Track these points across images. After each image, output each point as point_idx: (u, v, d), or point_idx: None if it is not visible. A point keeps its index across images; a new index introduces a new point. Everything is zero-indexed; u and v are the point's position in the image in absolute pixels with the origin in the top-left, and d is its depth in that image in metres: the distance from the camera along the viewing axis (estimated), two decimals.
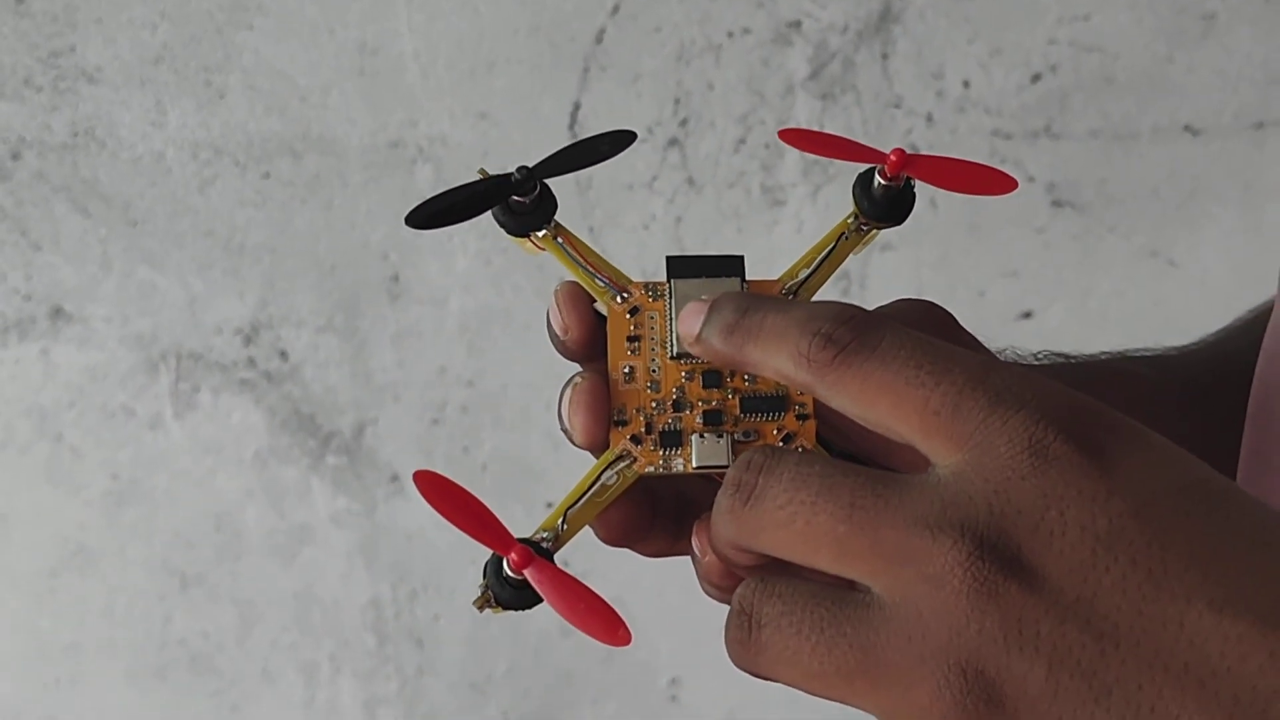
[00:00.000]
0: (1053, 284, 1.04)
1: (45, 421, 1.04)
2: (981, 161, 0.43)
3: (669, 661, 1.12)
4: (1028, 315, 1.04)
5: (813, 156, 0.99)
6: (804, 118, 0.98)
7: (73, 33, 0.96)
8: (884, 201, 0.41)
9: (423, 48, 0.97)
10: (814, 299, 0.41)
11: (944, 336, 0.43)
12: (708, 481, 0.39)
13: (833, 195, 1.00)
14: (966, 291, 1.03)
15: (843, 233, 0.42)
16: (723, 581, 0.41)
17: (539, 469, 1.03)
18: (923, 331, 0.42)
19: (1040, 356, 0.50)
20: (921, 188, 0.42)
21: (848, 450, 0.40)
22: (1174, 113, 1.01)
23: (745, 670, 0.33)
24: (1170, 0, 0.98)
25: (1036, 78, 0.99)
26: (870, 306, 0.43)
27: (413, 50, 0.97)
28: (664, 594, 1.10)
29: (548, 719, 1.13)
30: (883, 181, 0.41)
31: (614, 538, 0.42)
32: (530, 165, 0.41)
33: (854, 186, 0.41)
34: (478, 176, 0.41)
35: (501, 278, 1.01)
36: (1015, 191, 0.43)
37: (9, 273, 1.00)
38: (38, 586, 1.08)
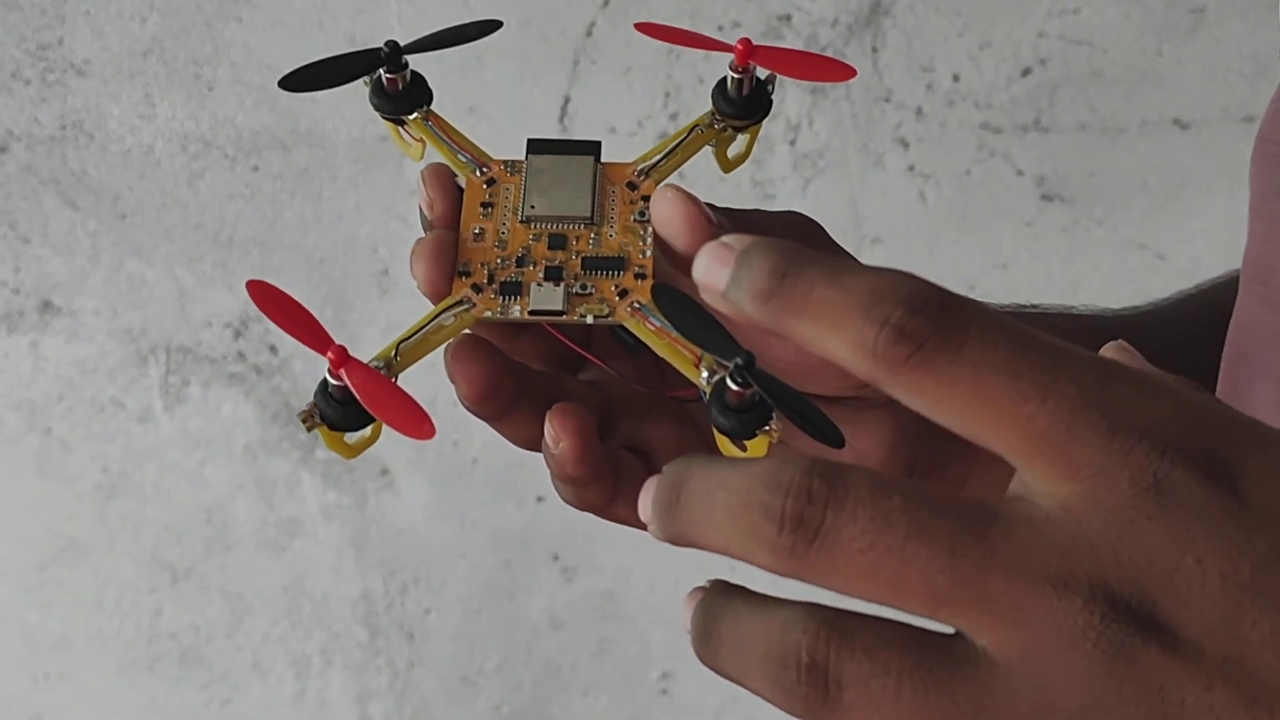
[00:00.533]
0: (1042, 276, 1.04)
1: (35, 415, 1.04)
2: (827, 55, 0.42)
3: (660, 655, 1.12)
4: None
5: (803, 151, 0.99)
6: (794, 112, 0.98)
7: (61, 25, 0.96)
8: (737, 99, 0.43)
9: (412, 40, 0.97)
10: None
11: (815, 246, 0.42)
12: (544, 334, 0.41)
13: (822, 188, 1.00)
14: (956, 284, 1.03)
15: (697, 126, 0.43)
16: (585, 474, 0.40)
17: (529, 463, 1.02)
18: (789, 231, 0.41)
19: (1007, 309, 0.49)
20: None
21: (696, 303, 0.37)
22: (1163, 106, 1.01)
23: None
24: None
25: (1026, 71, 0.99)
26: None
27: (402, 43, 0.97)
28: (655, 588, 1.11)
29: (539, 712, 1.13)
30: (733, 75, 0.42)
31: (475, 395, 0.40)
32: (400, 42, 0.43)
33: (713, 89, 0.43)
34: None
35: None
36: (849, 79, 0.42)
37: None
38: (27, 580, 1.08)
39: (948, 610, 0.27)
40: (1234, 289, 0.53)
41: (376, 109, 0.44)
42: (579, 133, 0.98)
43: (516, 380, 0.41)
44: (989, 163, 1.01)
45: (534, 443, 0.42)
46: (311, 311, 0.37)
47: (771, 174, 1.00)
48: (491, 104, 0.98)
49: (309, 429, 0.37)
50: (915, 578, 0.27)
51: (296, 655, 1.11)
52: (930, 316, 0.28)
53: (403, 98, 0.44)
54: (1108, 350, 0.34)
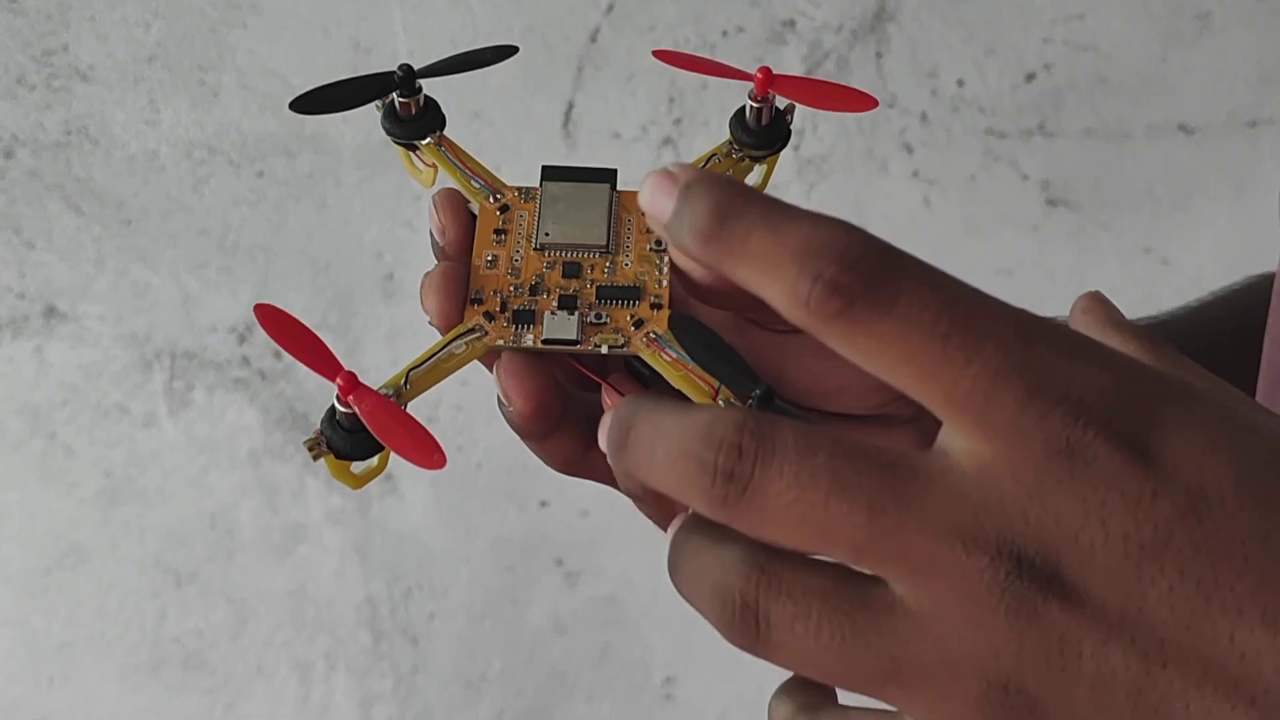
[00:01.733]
0: (1047, 282, 1.04)
1: (39, 420, 1.04)
2: (849, 84, 0.42)
3: (663, 660, 1.12)
4: None
5: (806, 156, 0.99)
6: (798, 116, 0.98)
7: (66, 31, 0.96)
8: (755, 129, 0.43)
9: (416, 46, 0.97)
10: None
11: None
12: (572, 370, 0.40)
13: (826, 193, 1.00)
14: None
15: (714, 154, 0.43)
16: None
17: (533, 467, 1.03)
18: None
19: None
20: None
21: (714, 334, 0.38)
22: (1168, 112, 1.01)
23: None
24: (1164, 0, 0.98)
25: (1031, 77, 0.99)
26: None
27: (406, 49, 0.97)
28: (658, 593, 1.11)
29: (542, 717, 1.13)
30: (752, 104, 0.42)
31: (526, 412, 0.40)
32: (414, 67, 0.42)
33: (731, 119, 0.43)
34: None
35: None
36: (870, 109, 0.41)
37: (2, 271, 1.00)
38: (31, 584, 1.08)
39: (868, 561, 0.28)
40: (1251, 295, 0.53)
41: (388, 133, 0.43)
42: (582, 138, 0.98)
43: (563, 400, 0.40)
44: (994, 168, 1.01)
45: (572, 465, 0.42)
46: (320, 336, 0.36)
47: (776, 179, 1.00)
48: (495, 109, 0.98)
49: (315, 458, 0.37)
50: (837, 531, 0.28)
51: (300, 660, 1.11)
52: (862, 273, 0.29)
53: (416, 123, 0.43)
54: (1081, 299, 0.35)
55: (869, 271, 0.29)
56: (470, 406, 1.04)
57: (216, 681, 1.11)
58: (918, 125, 0.99)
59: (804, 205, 0.29)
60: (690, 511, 0.32)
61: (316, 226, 1.01)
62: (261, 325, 0.36)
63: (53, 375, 1.03)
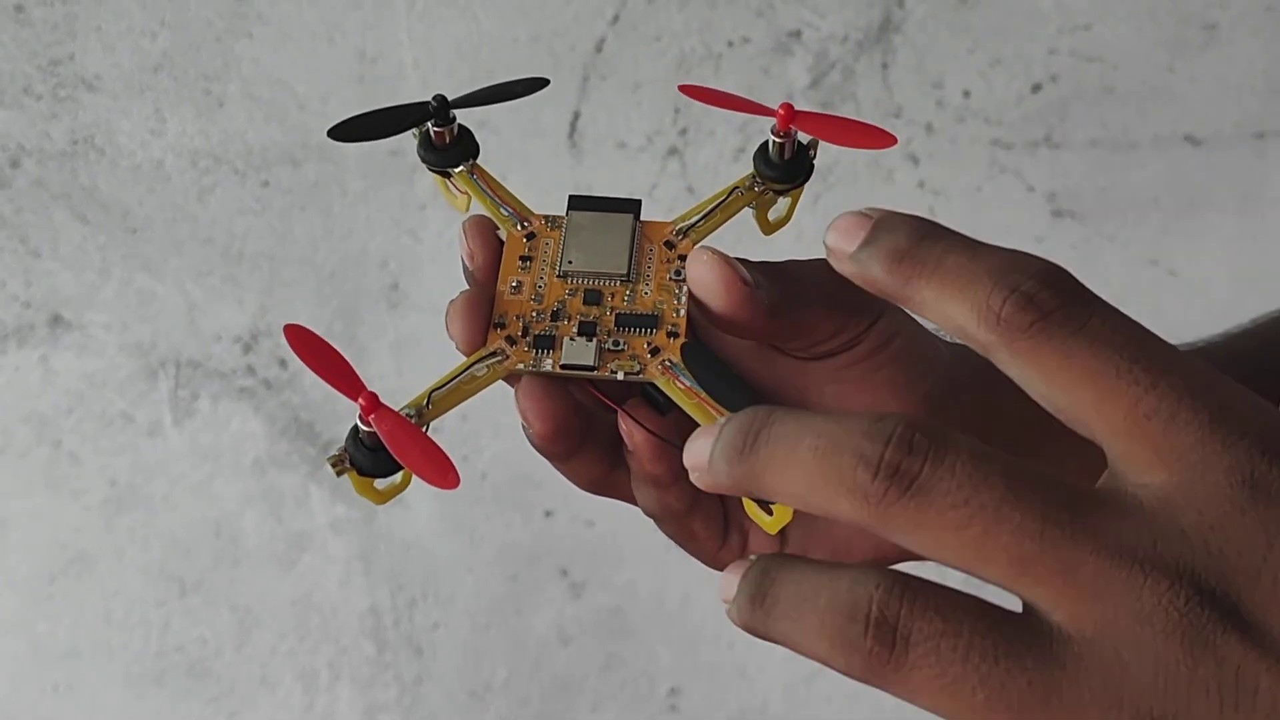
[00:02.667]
0: None
1: (44, 428, 1.04)
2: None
3: (668, 670, 1.12)
4: None
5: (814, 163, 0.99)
6: None
7: (72, 41, 0.96)
8: (778, 163, 0.43)
9: (422, 56, 0.97)
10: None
11: (850, 293, 0.42)
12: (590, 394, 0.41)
13: (832, 203, 1.00)
14: None
15: (737, 188, 0.43)
16: (662, 473, 0.41)
17: (537, 477, 1.03)
18: (827, 289, 0.41)
19: None
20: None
21: (725, 363, 0.39)
22: (1174, 122, 1.01)
23: (867, 683, 0.28)
24: (1171, 10, 0.98)
25: (1037, 87, 0.99)
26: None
27: (412, 59, 0.97)
28: (664, 603, 1.10)
29: None
30: (775, 139, 0.43)
31: (546, 433, 0.40)
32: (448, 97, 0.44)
33: (755, 153, 0.43)
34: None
35: None
36: (889, 146, 0.42)
37: (8, 280, 1.00)
38: (36, 592, 1.08)
39: (1030, 578, 0.27)
40: None
41: (423, 160, 0.44)
42: (588, 147, 0.98)
43: (584, 420, 0.41)
44: (1000, 179, 1.01)
45: (597, 484, 0.43)
46: (345, 357, 0.37)
47: None
48: (501, 119, 0.98)
49: (338, 474, 0.37)
50: (1003, 540, 0.27)
51: (304, 669, 1.11)
52: (1059, 290, 0.29)
53: (450, 151, 0.44)
54: None
55: (1065, 290, 0.29)
56: (475, 416, 1.04)
57: (221, 690, 1.11)
58: (923, 136, 0.99)
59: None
60: (762, 555, 0.30)
61: (321, 236, 1.01)
62: (290, 345, 0.37)
63: (58, 384, 1.03)
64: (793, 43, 0.97)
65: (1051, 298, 0.29)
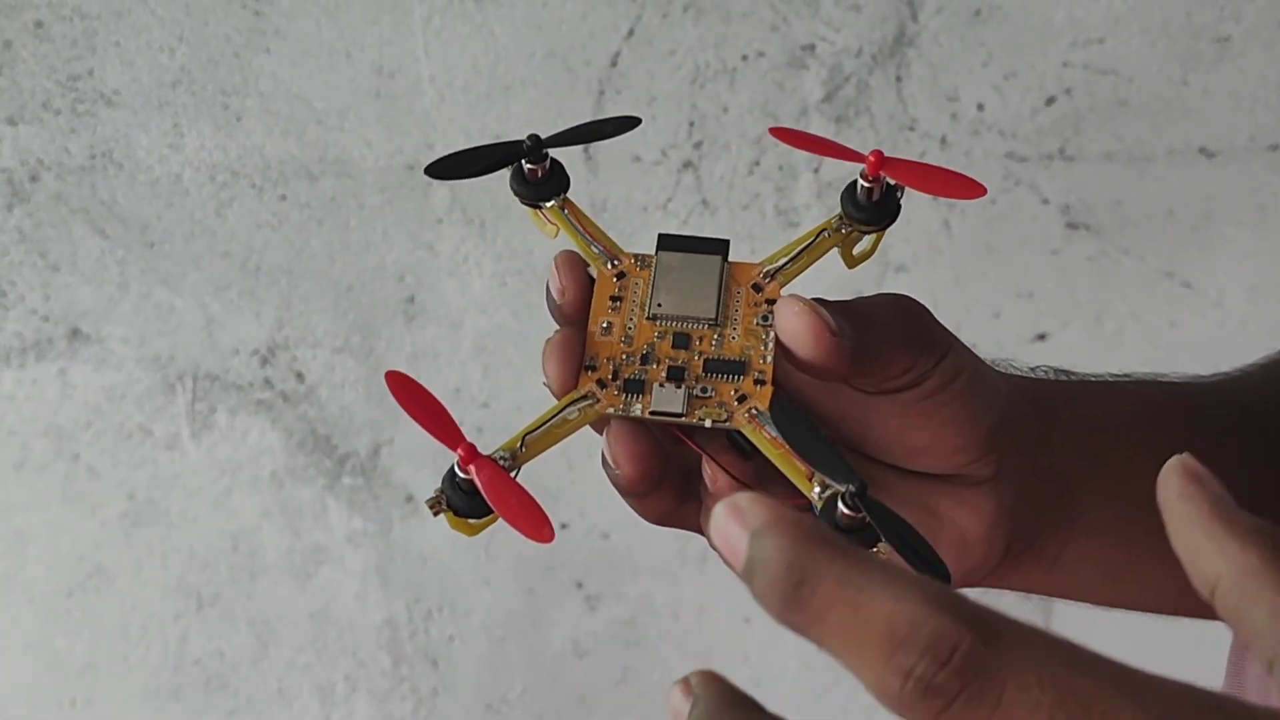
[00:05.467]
0: (1068, 306, 1.04)
1: (62, 441, 1.04)
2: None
3: None
4: (1042, 337, 1.04)
5: (827, 179, 0.99)
6: (819, 122, 0.98)
7: (91, 56, 0.97)
8: (866, 205, 0.44)
9: (439, 71, 0.98)
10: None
11: (919, 332, 0.43)
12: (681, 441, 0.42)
13: None
14: (981, 313, 1.03)
15: (824, 229, 0.44)
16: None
17: (554, 489, 1.03)
18: (898, 329, 0.42)
19: (1038, 370, 0.50)
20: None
21: (808, 413, 0.40)
22: (1189, 135, 1.01)
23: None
24: (1185, 23, 0.98)
25: (1051, 100, 0.99)
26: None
27: (429, 74, 0.98)
28: (679, 615, 1.10)
29: None
30: (864, 184, 0.43)
31: (634, 476, 0.41)
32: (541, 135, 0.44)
33: (843, 191, 0.44)
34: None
35: (516, 299, 1.02)
36: (979, 196, 0.43)
37: (27, 294, 1.01)
38: (54, 606, 1.08)
39: None
40: None
41: (515, 194, 0.45)
42: (604, 161, 0.98)
43: (665, 461, 0.42)
44: (1014, 192, 1.01)
45: (666, 517, 0.44)
46: (447, 408, 0.38)
47: (795, 202, 1.00)
48: (517, 133, 0.98)
49: (435, 514, 0.39)
50: None
51: (321, 682, 1.11)
52: (956, 669, 0.25)
53: (542, 185, 0.45)
54: (1174, 479, 0.30)
55: (962, 665, 0.25)
56: (491, 429, 1.04)
57: (238, 704, 1.11)
58: (938, 149, 1.00)
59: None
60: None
61: (339, 249, 1.01)
62: (391, 392, 0.38)
63: (76, 397, 1.03)
64: (807, 56, 0.98)
65: (950, 680, 0.25)
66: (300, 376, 1.04)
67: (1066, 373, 0.51)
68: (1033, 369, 0.50)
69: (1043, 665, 0.25)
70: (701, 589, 1.09)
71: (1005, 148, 1.00)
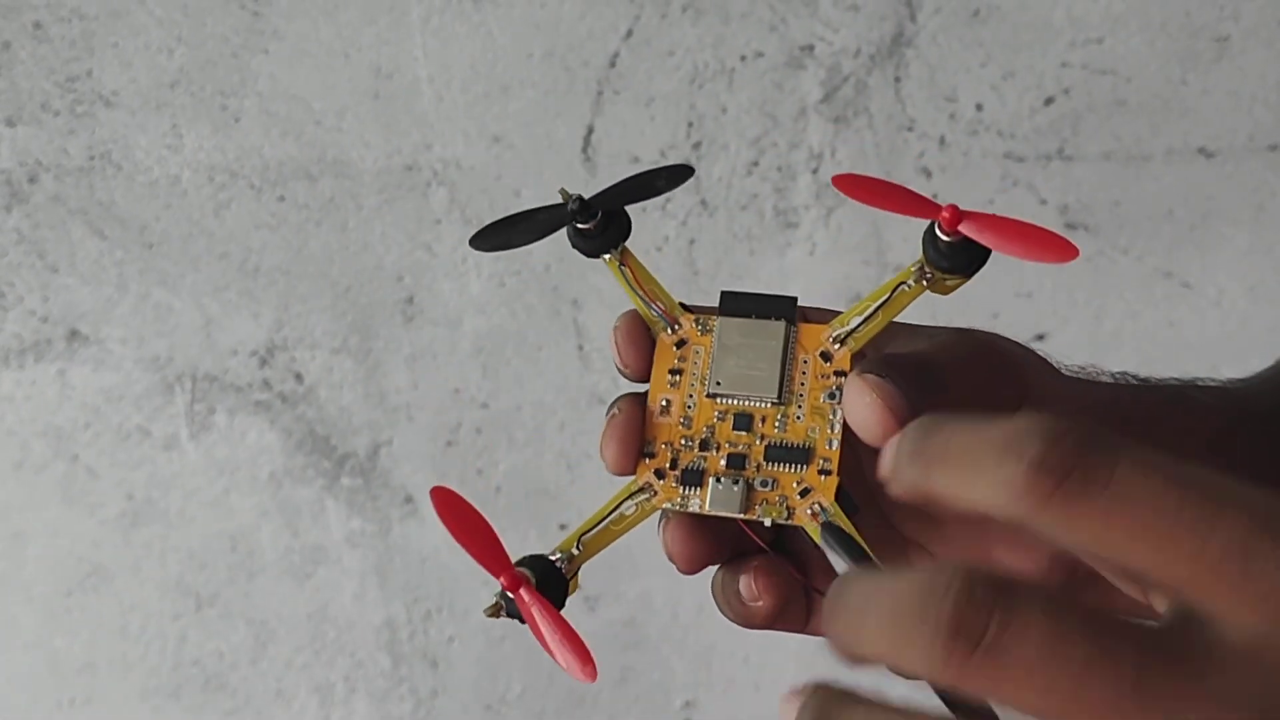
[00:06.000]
0: (1066, 306, 1.04)
1: (61, 442, 1.04)
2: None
3: (683, 683, 1.12)
4: (1041, 337, 1.04)
5: (825, 180, 0.99)
6: (816, 141, 0.98)
7: (90, 57, 0.96)
8: (950, 252, 0.39)
9: (437, 72, 0.98)
10: (884, 352, 0.40)
11: (996, 399, 0.40)
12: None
13: (845, 217, 1.00)
14: (980, 313, 1.03)
15: (903, 282, 0.40)
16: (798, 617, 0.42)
17: (553, 490, 1.03)
18: (975, 397, 0.39)
19: (1118, 376, 0.48)
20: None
21: (869, 508, 0.39)
22: (1187, 135, 1.01)
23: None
24: (1183, 23, 0.98)
25: (1049, 100, 0.99)
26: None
27: (427, 74, 0.98)
28: (677, 616, 1.10)
29: None
30: (944, 237, 0.39)
31: (690, 569, 0.42)
32: (586, 197, 0.42)
33: (924, 234, 0.40)
34: (559, 198, 0.42)
35: (515, 299, 1.02)
36: (1071, 260, 0.38)
37: (26, 295, 1.01)
38: (53, 606, 1.08)
39: None
40: None
41: (574, 246, 0.43)
42: (602, 162, 0.98)
43: (718, 546, 0.42)
44: (1012, 192, 1.01)
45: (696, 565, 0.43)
46: (493, 527, 0.37)
47: (794, 203, 1.00)
48: (515, 133, 0.99)
49: (494, 618, 0.39)
50: (1093, 700, 0.26)
51: (320, 683, 1.11)
52: (1072, 446, 0.27)
53: (596, 239, 0.42)
54: None
55: (1078, 445, 0.27)
56: (489, 429, 1.04)
57: (237, 704, 1.11)
58: (936, 149, 1.00)
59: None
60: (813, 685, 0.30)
61: (337, 250, 1.01)
62: (435, 509, 0.37)
63: (75, 398, 1.03)
64: (805, 57, 0.98)
65: (1066, 455, 0.27)
66: (299, 377, 1.04)
67: (1141, 379, 0.48)
68: (1114, 375, 0.47)
69: (1148, 450, 0.26)
70: (700, 589, 1.09)
71: (1003, 148, 1.00)
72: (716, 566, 0.44)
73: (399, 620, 1.10)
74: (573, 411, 1.03)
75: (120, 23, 0.96)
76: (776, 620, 0.42)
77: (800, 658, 1.11)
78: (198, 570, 1.08)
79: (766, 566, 0.41)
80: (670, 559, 0.41)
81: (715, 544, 0.41)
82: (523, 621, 0.38)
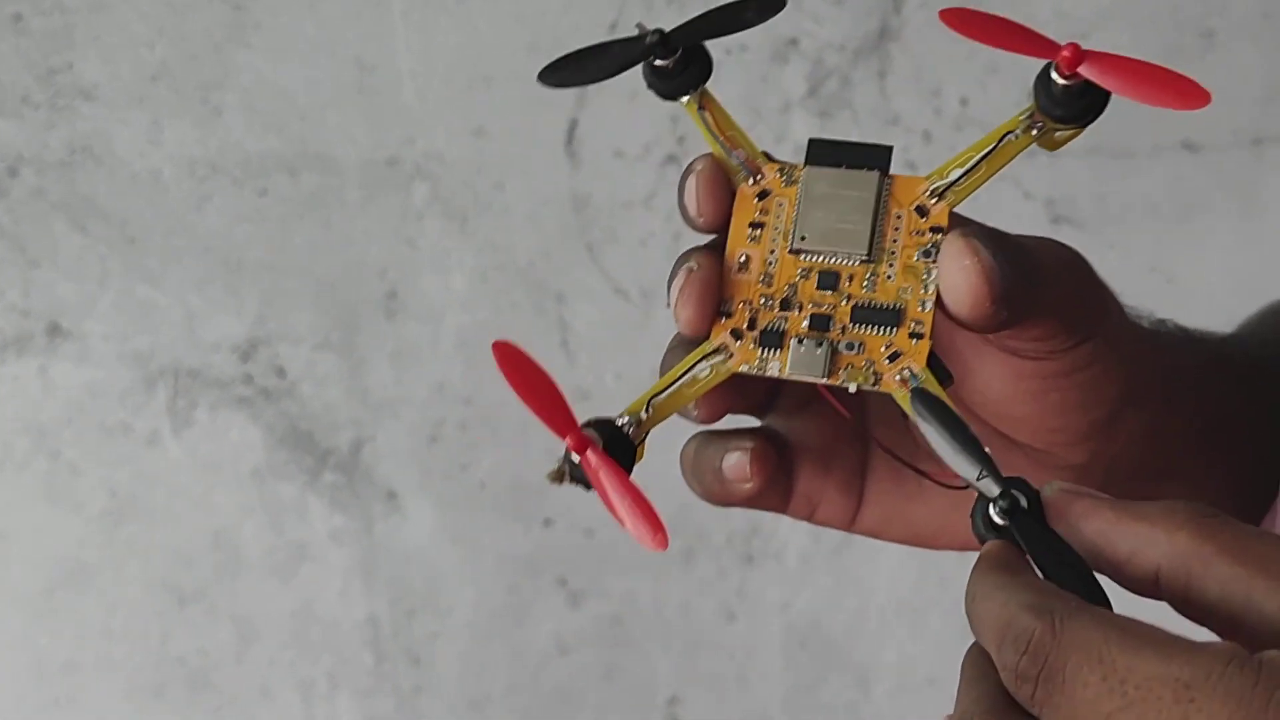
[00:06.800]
0: None
1: (43, 438, 1.04)
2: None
3: (668, 679, 1.12)
4: None
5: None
6: (801, 135, 0.98)
7: (70, 50, 0.96)
8: (1064, 99, 0.37)
9: (420, 66, 0.97)
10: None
11: (1078, 306, 0.39)
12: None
13: None
14: None
15: (1010, 131, 0.38)
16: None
17: (538, 486, 1.02)
18: (1061, 298, 0.38)
19: (1167, 324, 0.48)
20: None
21: (954, 416, 0.36)
22: (1172, 129, 1.01)
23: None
24: (1169, 17, 0.98)
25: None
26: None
27: (410, 68, 0.97)
28: (663, 612, 1.10)
29: None
30: (1061, 81, 0.37)
31: (710, 420, 0.39)
32: (666, 30, 0.39)
33: (1035, 79, 0.37)
34: (635, 31, 0.40)
35: (499, 294, 1.01)
36: (1202, 106, 0.36)
37: (6, 289, 1.00)
38: (35, 604, 1.08)
39: None
40: None
41: (649, 87, 0.40)
42: (586, 156, 0.98)
43: (744, 399, 0.41)
44: (997, 186, 1.01)
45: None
46: (558, 385, 0.34)
47: None
48: (498, 126, 0.98)
49: (554, 482, 0.36)
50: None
51: (304, 680, 1.11)
52: (1031, 655, 0.29)
53: (676, 79, 0.39)
54: (1056, 502, 0.32)
55: (1035, 651, 0.29)
56: (474, 424, 1.04)
57: (221, 701, 1.11)
58: (921, 144, 0.99)
59: None
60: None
61: (320, 244, 1.01)
62: (497, 364, 0.34)
63: (57, 394, 1.03)
64: (790, 51, 0.98)
65: (1030, 665, 0.29)
66: (281, 372, 1.03)
67: (1187, 331, 0.48)
68: (1162, 321, 0.47)
69: (1089, 643, 0.28)
70: (686, 585, 1.09)
71: None
72: (690, 437, 0.41)
73: (382, 617, 1.09)
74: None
75: (101, 16, 0.95)
76: (753, 502, 0.40)
77: (785, 653, 1.11)
78: (181, 567, 1.07)
79: (762, 448, 0.39)
80: (694, 409, 0.38)
81: (742, 397, 0.39)
82: (588, 487, 0.35)
